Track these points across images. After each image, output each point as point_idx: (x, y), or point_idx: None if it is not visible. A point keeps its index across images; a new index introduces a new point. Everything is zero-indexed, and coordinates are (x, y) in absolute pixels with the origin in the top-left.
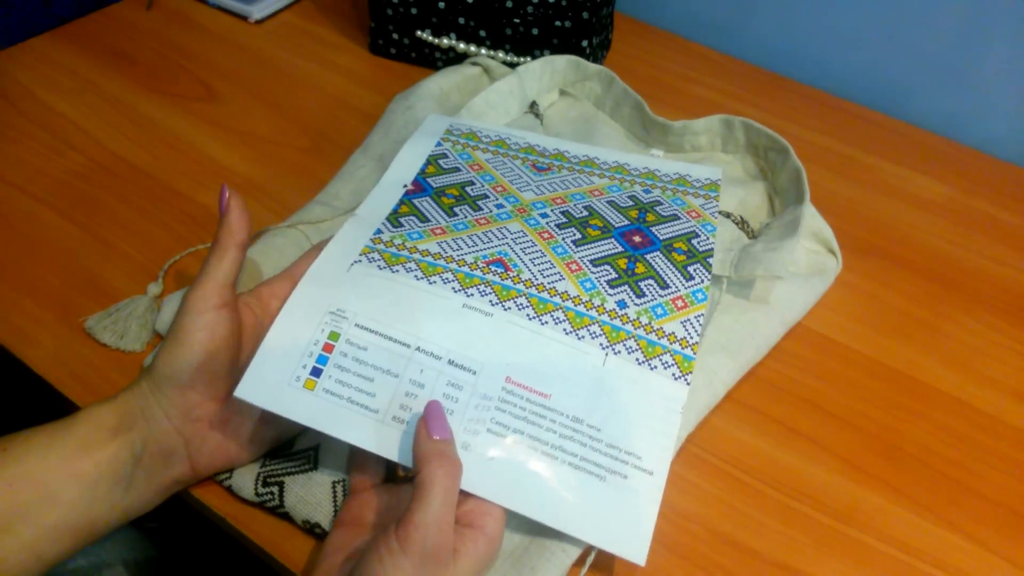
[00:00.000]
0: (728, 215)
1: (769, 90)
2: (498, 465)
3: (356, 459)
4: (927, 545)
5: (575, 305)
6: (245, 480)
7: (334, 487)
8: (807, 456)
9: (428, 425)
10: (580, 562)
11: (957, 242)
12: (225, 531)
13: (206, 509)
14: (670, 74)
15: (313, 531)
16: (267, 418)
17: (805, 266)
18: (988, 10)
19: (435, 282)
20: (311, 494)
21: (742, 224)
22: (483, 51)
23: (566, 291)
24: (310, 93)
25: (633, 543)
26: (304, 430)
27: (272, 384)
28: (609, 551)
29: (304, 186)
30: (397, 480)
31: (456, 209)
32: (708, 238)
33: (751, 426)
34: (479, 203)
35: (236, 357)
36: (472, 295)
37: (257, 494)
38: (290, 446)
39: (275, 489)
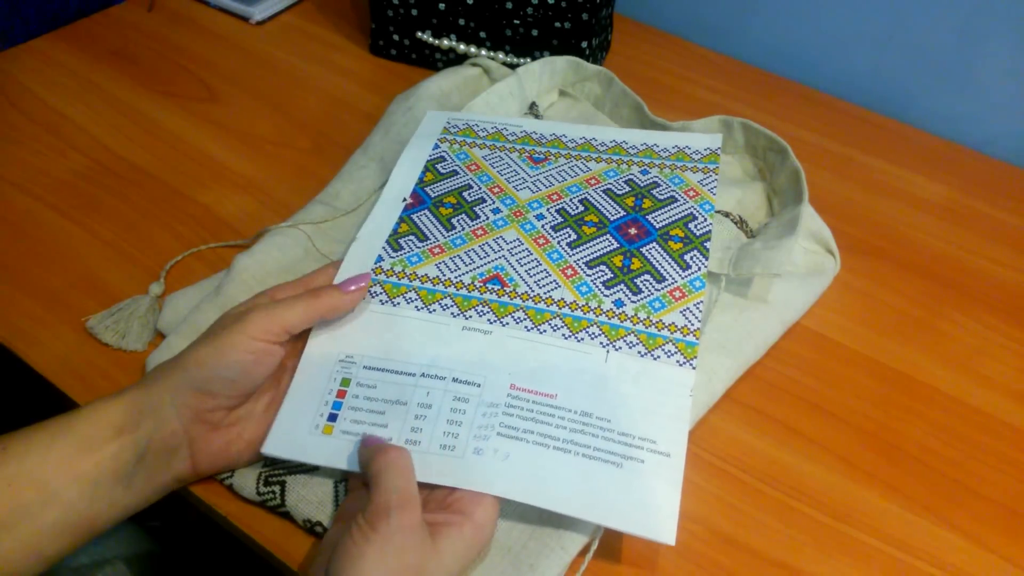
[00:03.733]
0: (727, 215)
1: (768, 91)
2: (512, 464)
3: None
4: (925, 544)
5: (572, 311)
6: (246, 479)
7: (336, 487)
8: (806, 455)
9: (363, 442)
10: (581, 556)
11: (955, 242)
12: (226, 529)
13: (207, 508)
14: (669, 75)
15: (314, 530)
16: (269, 424)
17: (803, 266)
18: (988, 10)
19: (435, 310)
20: (313, 493)
21: (741, 224)
22: (483, 52)
23: (562, 298)
24: (311, 94)
25: (659, 524)
26: None
27: (294, 437)
28: (636, 535)
29: (305, 186)
30: None
31: (454, 220)
32: (705, 220)
33: (750, 425)
34: (476, 209)
35: (261, 383)
36: (471, 317)
37: (259, 493)
38: None
39: (277, 488)
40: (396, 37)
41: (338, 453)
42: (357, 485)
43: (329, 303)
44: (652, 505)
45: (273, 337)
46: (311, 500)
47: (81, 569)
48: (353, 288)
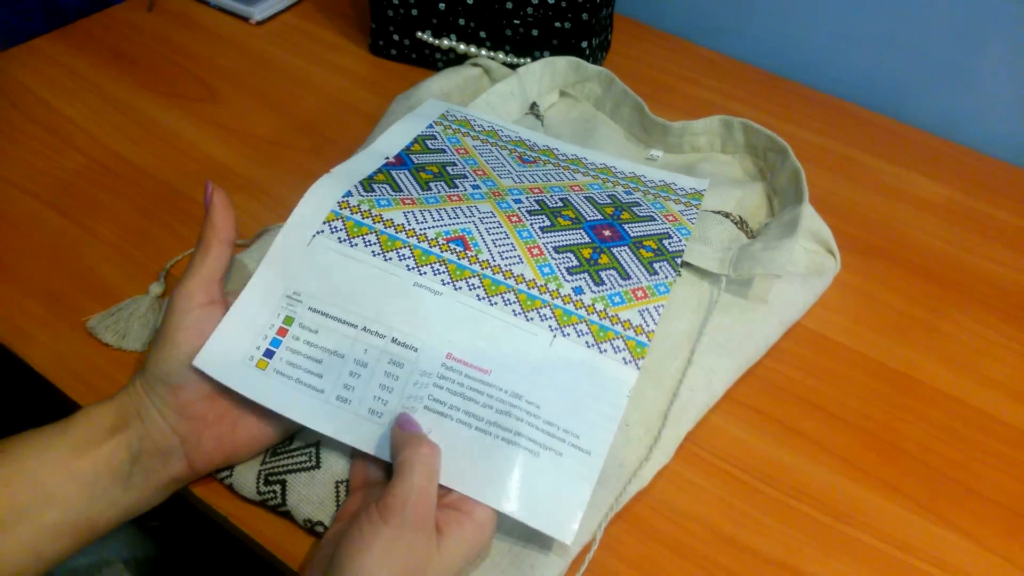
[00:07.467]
0: (727, 215)
1: (768, 91)
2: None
3: (358, 457)
4: (925, 544)
5: (528, 288)
6: (246, 478)
7: (337, 486)
8: (806, 455)
9: (400, 423)
10: (582, 556)
11: (955, 242)
12: (226, 529)
13: (207, 507)
14: (669, 75)
15: (314, 530)
16: (263, 416)
17: (804, 266)
18: (987, 10)
19: (391, 258)
20: (314, 493)
21: (741, 224)
22: (483, 52)
23: (521, 274)
24: (311, 94)
25: (559, 521)
26: (301, 428)
27: (228, 361)
28: (534, 527)
29: (305, 187)
30: None
31: (432, 184)
32: (680, 240)
33: (750, 425)
34: (456, 182)
35: None
36: (425, 273)
37: (259, 492)
38: (289, 443)
39: (277, 488)
40: (396, 37)
41: (268, 392)
42: (360, 485)
43: (206, 228)
44: (558, 501)
45: (200, 297)
46: (312, 500)
47: (80, 571)
48: (207, 197)
